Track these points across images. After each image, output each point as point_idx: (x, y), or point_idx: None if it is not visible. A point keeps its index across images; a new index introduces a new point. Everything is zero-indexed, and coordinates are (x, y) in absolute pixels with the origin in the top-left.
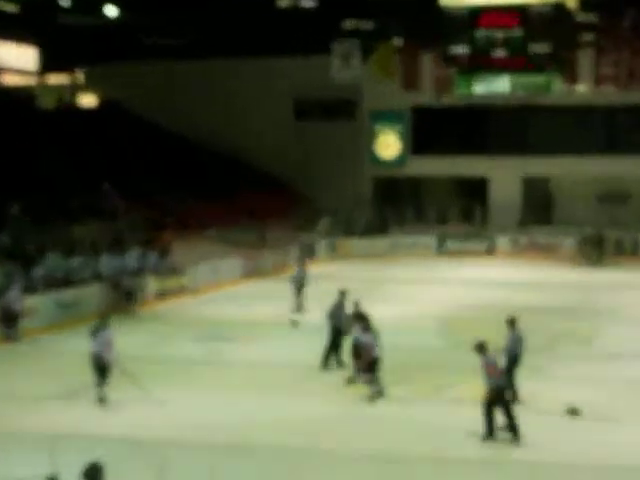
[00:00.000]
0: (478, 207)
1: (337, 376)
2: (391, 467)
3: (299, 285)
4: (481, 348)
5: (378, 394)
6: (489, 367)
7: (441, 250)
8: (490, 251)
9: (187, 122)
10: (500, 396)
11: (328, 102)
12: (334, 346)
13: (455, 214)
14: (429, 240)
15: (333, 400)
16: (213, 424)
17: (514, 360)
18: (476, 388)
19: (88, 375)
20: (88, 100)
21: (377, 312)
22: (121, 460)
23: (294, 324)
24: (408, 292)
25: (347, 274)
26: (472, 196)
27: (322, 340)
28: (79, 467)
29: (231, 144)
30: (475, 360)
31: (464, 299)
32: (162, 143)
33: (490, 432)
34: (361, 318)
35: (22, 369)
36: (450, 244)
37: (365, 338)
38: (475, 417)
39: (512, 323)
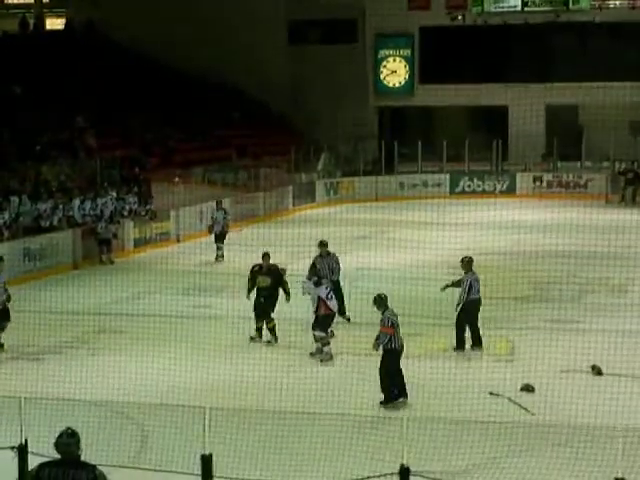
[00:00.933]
0: (496, 141)
1: (339, 329)
2: (395, 429)
3: None
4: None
5: (328, 357)
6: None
7: (455, 190)
8: (510, 190)
9: (169, 48)
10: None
11: (326, 24)
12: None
13: (470, 149)
14: (442, 178)
15: (335, 356)
16: (200, 384)
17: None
18: (495, 342)
19: (58, 333)
20: (56, 22)
21: (384, 259)
22: (97, 426)
23: (282, 272)
24: (419, 237)
25: (349, 217)
26: (489, 128)
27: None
28: (51, 432)
29: (218, 73)
30: (496, 313)
31: (481, 244)
32: (141, 72)
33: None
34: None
35: None
36: (465, 183)
37: (318, 291)
38: (494, 374)
39: (469, 264)
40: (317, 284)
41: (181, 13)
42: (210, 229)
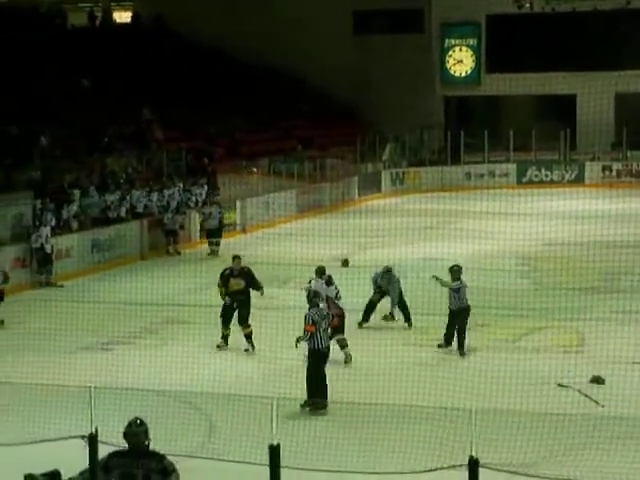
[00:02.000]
0: (564, 130)
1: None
2: (462, 421)
3: None
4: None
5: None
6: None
7: (522, 179)
8: (578, 179)
9: (235, 40)
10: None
11: (392, 13)
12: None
13: (538, 138)
14: (508, 168)
15: (400, 347)
16: (267, 374)
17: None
18: (565, 333)
19: (127, 323)
20: (123, 15)
21: (450, 250)
22: (166, 414)
23: (344, 263)
24: (485, 227)
25: (415, 207)
26: (557, 117)
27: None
28: (119, 421)
29: (284, 64)
30: (565, 303)
31: (549, 235)
32: (208, 64)
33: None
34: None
35: (56, 317)
36: (532, 172)
37: (328, 291)
38: (564, 365)
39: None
40: (328, 283)
41: (247, 5)
42: (202, 225)
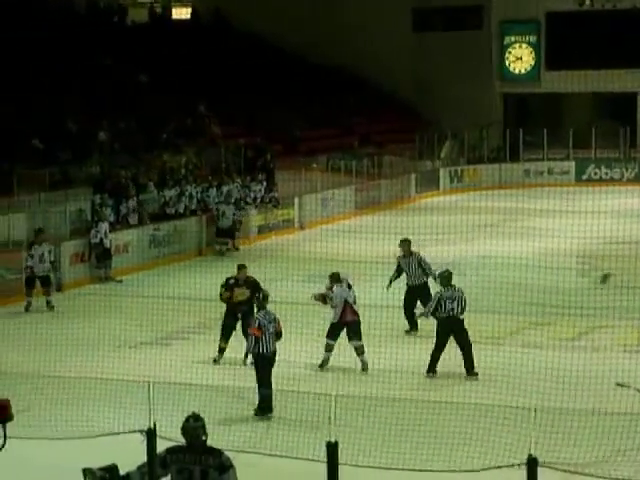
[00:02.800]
0: (624, 127)
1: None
2: (522, 419)
3: None
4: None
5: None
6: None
7: (581, 177)
8: (639, 177)
9: (294, 36)
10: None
11: (451, 10)
12: None
13: (598, 136)
14: (568, 165)
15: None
16: (325, 371)
17: None
18: (622, 333)
19: (184, 319)
20: (182, 11)
21: (509, 248)
22: (225, 409)
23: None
24: (545, 225)
25: (473, 205)
26: (618, 115)
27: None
28: (178, 416)
29: (342, 61)
30: (627, 302)
31: (609, 233)
32: (267, 60)
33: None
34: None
35: (114, 312)
36: (592, 170)
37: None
38: (623, 364)
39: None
40: (349, 287)
41: (306, 1)
42: (215, 221)
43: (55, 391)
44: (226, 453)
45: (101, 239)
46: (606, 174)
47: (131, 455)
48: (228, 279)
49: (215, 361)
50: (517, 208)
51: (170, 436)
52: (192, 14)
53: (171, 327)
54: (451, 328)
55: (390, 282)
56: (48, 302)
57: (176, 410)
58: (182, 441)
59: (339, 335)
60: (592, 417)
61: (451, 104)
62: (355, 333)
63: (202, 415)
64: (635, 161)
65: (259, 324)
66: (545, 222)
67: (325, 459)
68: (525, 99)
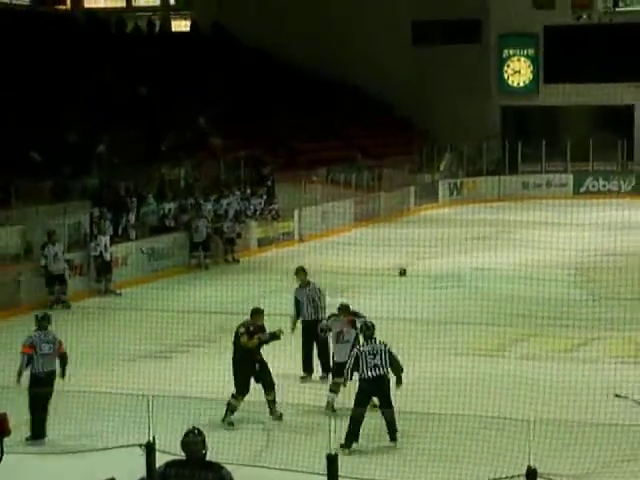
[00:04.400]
0: (622, 140)
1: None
2: (520, 430)
3: None
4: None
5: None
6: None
7: (579, 189)
8: (636, 190)
9: (294, 49)
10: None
11: (450, 24)
12: None
13: (595, 149)
14: (565, 178)
15: (454, 357)
16: (320, 385)
17: None
18: (618, 345)
19: (184, 332)
20: (181, 24)
21: (506, 259)
22: (221, 424)
23: (402, 273)
24: (541, 237)
25: (472, 217)
26: (614, 128)
27: (434, 291)
28: (177, 430)
29: (343, 73)
30: (623, 314)
31: (605, 245)
32: (266, 72)
33: None
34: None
35: (114, 325)
36: (590, 182)
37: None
38: (617, 376)
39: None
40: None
41: (307, 14)
42: (190, 236)
43: (54, 405)
44: (226, 467)
45: (101, 252)
46: (604, 186)
47: (131, 469)
48: (246, 327)
49: (231, 425)
50: (515, 220)
51: (170, 450)
52: (191, 26)
53: (171, 340)
54: (374, 389)
55: (293, 324)
56: (64, 302)
57: (176, 424)
58: (182, 455)
59: None
60: (589, 428)
61: (450, 117)
62: None
63: (202, 429)
64: (632, 174)
65: (31, 343)
66: (543, 234)
67: (325, 471)
68: (523, 112)
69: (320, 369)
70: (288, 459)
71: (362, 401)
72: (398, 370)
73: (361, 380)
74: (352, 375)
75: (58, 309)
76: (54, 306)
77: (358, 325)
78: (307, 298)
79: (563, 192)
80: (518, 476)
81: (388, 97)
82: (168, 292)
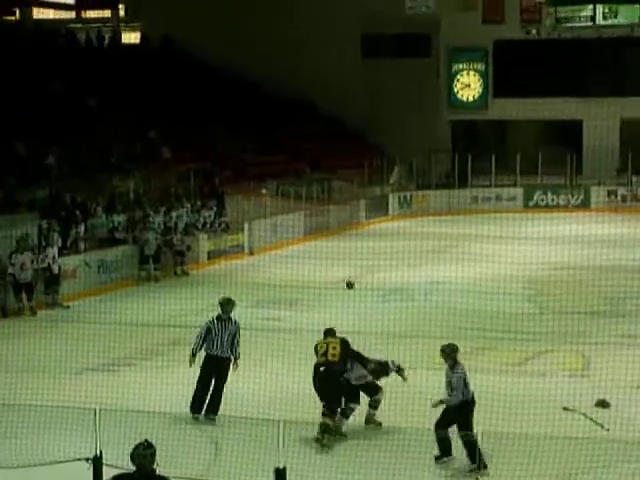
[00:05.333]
0: (570, 154)
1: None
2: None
3: None
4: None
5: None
6: None
7: (529, 203)
8: (584, 204)
9: (243, 61)
10: None
11: (401, 37)
12: None
13: (544, 163)
14: (515, 192)
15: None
16: (273, 397)
17: None
18: (570, 357)
19: (133, 345)
20: (131, 36)
21: (457, 273)
22: (171, 436)
23: (349, 286)
24: (492, 251)
25: (422, 230)
26: (563, 142)
27: (383, 304)
28: (124, 443)
29: (292, 86)
30: (571, 328)
31: (554, 259)
32: (215, 85)
33: None
34: None
35: (62, 338)
36: (539, 196)
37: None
38: (569, 389)
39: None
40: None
41: (257, 28)
42: (142, 251)
43: None
44: None
45: (49, 264)
46: (553, 200)
47: None
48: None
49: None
50: (465, 234)
51: (117, 464)
52: (141, 39)
53: (119, 353)
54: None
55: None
56: (31, 308)
57: (124, 437)
58: (131, 469)
59: None
60: (539, 441)
61: (400, 130)
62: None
63: (152, 441)
64: (581, 187)
65: None
66: (492, 248)
67: None
68: (473, 126)
69: None
70: (237, 473)
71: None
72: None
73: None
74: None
75: (27, 316)
76: (20, 314)
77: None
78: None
79: (513, 206)
80: None
81: (339, 110)
82: (117, 305)
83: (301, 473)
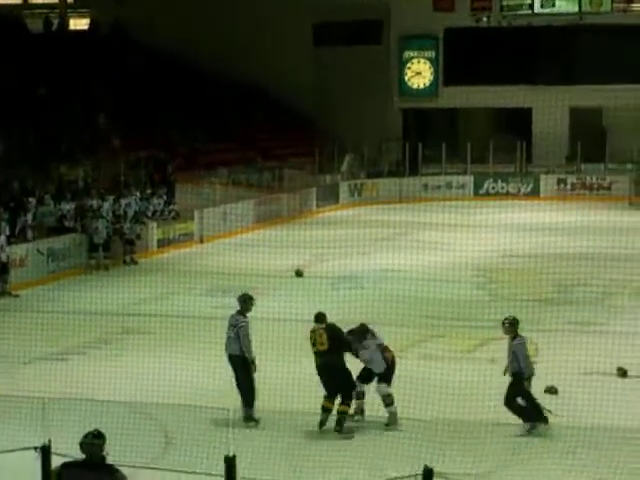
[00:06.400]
0: (520, 142)
1: None
2: (418, 431)
3: None
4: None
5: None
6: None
7: (479, 191)
8: (534, 192)
9: (193, 47)
10: None
11: (352, 25)
12: None
13: (494, 151)
14: (465, 180)
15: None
16: (224, 385)
17: None
18: None
19: (82, 334)
20: (80, 22)
21: (407, 261)
22: (121, 425)
23: (298, 274)
24: (442, 239)
25: (373, 218)
26: (514, 130)
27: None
28: (74, 433)
29: (243, 74)
30: (519, 315)
31: (505, 246)
32: (166, 72)
33: None
34: None
35: (10, 327)
36: (489, 184)
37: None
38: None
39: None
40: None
41: (207, 14)
42: (92, 239)
43: None
44: (122, 470)
45: None
46: (503, 188)
47: (26, 472)
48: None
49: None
50: (415, 222)
51: (67, 453)
52: (90, 25)
53: (67, 342)
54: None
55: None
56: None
57: (73, 427)
58: (81, 457)
59: None
60: (487, 428)
61: (351, 118)
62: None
63: (102, 430)
64: (531, 175)
65: None
66: (442, 236)
67: (223, 473)
68: (424, 114)
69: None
70: (187, 461)
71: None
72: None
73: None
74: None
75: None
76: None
77: None
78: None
79: (463, 194)
80: (415, 475)
81: (290, 98)
82: (66, 293)
83: (251, 460)
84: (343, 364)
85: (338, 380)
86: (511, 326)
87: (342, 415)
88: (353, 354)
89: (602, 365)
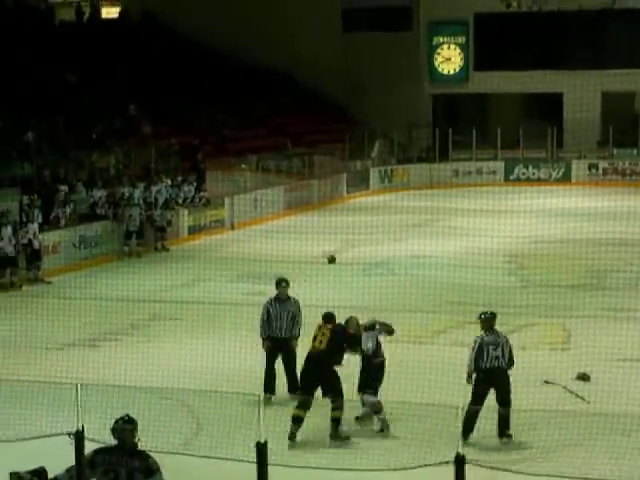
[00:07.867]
0: (551, 128)
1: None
2: (450, 417)
3: None
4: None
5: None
6: None
7: (510, 177)
8: (565, 177)
9: (224, 36)
10: None
11: (381, 11)
12: None
13: (525, 136)
14: (496, 166)
15: (387, 344)
16: (254, 371)
17: None
18: (548, 331)
19: (114, 320)
20: (111, 11)
21: (438, 247)
22: (151, 411)
23: (331, 260)
24: (473, 225)
25: (403, 204)
26: (545, 116)
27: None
28: (105, 418)
29: (273, 61)
30: (552, 301)
31: (536, 232)
32: (196, 59)
33: None
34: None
35: (43, 313)
36: (520, 170)
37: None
38: (550, 362)
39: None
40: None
41: (239, 2)
42: (127, 227)
43: None
44: (153, 457)
45: (30, 240)
46: (533, 174)
47: (60, 458)
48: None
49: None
50: (446, 208)
51: (100, 439)
52: (121, 13)
53: (100, 329)
54: (494, 381)
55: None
56: (14, 283)
57: (106, 412)
58: (113, 443)
59: None
60: (520, 414)
61: (381, 104)
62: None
63: (133, 416)
64: (562, 161)
65: None
66: (473, 222)
67: (255, 459)
68: (454, 99)
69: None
70: (218, 447)
71: (480, 394)
72: (510, 364)
73: (480, 371)
74: (476, 365)
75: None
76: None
77: None
78: (279, 313)
79: (493, 179)
80: (447, 462)
81: (320, 85)
82: (98, 280)
83: (282, 447)
84: (333, 368)
85: (325, 380)
86: (487, 321)
87: (335, 422)
88: (353, 352)
89: (636, 352)
